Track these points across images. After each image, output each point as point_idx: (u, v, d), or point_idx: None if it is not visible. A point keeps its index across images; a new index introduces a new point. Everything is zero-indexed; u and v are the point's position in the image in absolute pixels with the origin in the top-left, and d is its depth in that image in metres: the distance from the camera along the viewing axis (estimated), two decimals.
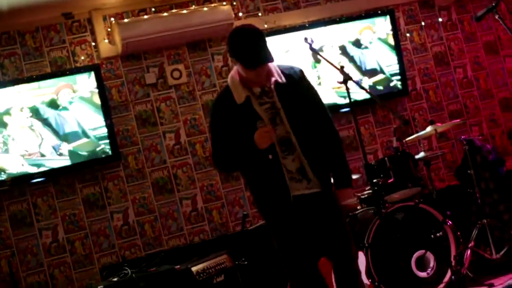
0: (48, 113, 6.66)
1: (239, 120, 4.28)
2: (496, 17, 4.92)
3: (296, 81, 4.36)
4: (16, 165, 6.55)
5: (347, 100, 7.12)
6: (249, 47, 4.15)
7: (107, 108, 6.88)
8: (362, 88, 4.49)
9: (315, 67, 7.34)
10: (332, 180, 4.45)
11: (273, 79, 4.27)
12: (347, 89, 4.45)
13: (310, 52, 4.56)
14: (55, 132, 6.66)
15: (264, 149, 4.21)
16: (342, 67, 4.45)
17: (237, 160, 4.39)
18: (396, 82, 7.64)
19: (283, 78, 4.31)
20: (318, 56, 4.53)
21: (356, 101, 7.23)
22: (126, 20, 6.94)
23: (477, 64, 8.15)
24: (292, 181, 4.32)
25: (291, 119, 4.28)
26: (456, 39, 8.10)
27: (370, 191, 6.24)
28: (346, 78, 4.41)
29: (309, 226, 4.43)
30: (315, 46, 4.62)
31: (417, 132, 7.21)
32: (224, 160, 4.44)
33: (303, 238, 4.42)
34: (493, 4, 4.92)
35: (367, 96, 7.30)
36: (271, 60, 4.22)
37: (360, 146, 4.80)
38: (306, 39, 4.56)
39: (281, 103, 4.28)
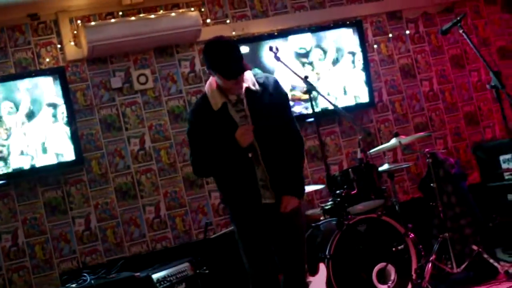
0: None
1: (216, 126, 4.37)
2: (461, 31, 4.94)
3: (268, 90, 4.43)
4: None
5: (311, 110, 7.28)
6: (228, 59, 4.23)
7: (71, 112, 6.80)
8: (325, 98, 4.47)
9: None
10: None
11: (245, 85, 4.34)
12: (311, 99, 4.44)
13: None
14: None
15: (244, 147, 4.30)
16: (306, 77, 4.44)
17: (216, 163, 4.43)
18: (362, 93, 7.66)
19: (257, 86, 4.39)
20: (283, 66, 4.52)
21: (321, 111, 7.25)
22: (93, 23, 6.88)
23: (443, 78, 8.19)
24: (263, 189, 4.44)
25: (255, 128, 4.34)
26: (423, 51, 8.14)
27: (332, 202, 6.24)
28: (310, 88, 4.40)
29: (271, 235, 4.54)
30: (281, 55, 4.61)
31: (382, 143, 7.23)
32: (204, 165, 4.50)
33: (266, 246, 4.54)
34: (458, 18, 4.94)
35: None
36: (248, 68, 4.32)
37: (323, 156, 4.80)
38: (271, 48, 4.57)
39: (250, 111, 4.36)
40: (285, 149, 4.46)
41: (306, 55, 7.49)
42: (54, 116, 6.71)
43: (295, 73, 4.51)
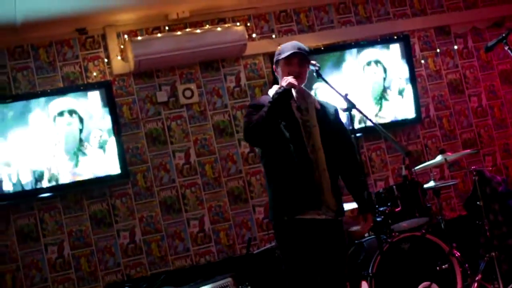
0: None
1: None
2: (506, 48, 4.85)
3: (330, 111, 4.61)
4: (25, 178, 6.57)
5: (357, 126, 7.23)
6: (292, 44, 4.52)
7: (117, 126, 6.87)
8: (366, 117, 4.42)
9: None
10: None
11: (312, 98, 4.54)
12: (351, 116, 4.40)
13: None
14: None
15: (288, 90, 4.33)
16: (346, 95, 4.40)
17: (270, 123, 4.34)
18: (409, 109, 7.58)
19: (318, 105, 4.56)
20: (323, 82, 4.49)
21: (367, 127, 7.18)
22: (139, 38, 6.94)
23: (492, 93, 8.06)
24: (322, 201, 4.40)
25: (323, 138, 4.42)
26: (471, 67, 8.03)
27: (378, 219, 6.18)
28: (350, 106, 4.36)
29: (315, 253, 4.42)
30: (322, 71, 4.60)
31: (429, 160, 7.14)
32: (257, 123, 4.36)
33: (310, 264, 4.40)
34: (503, 35, 4.85)
35: (380, 121, 7.28)
36: (308, 58, 4.49)
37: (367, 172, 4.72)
38: (313, 64, 4.52)
39: (318, 121, 4.45)
40: (349, 167, 4.54)
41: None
42: (101, 129, 6.79)
43: (335, 90, 4.47)
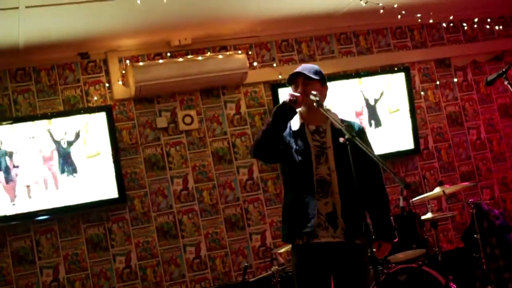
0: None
1: (292, 142, 4.41)
2: (506, 83, 4.85)
3: (353, 131, 4.33)
4: (21, 201, 6.57)
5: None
6: (298, 67, 4.54)
7: (116, 150, 6.88)
8: (365, 149, 4.39)
9: None
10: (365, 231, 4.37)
11: (331, 118, 4.36)
12: (351, 148, 4.39)
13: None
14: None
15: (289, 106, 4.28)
16: (347, 126, 4.40)
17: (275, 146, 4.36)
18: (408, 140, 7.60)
19: (338, 125, 4.37)
20: (324, 113, 4.48)
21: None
22: (141, 64, 6.97)
23: (491, 126, 8.09)
24: (318, 228, 4.33)
25: (337, 160, 4.36)
26: (470, 100, 8.07)
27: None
28: (350, 138, 4.34)
29: (328, 276, 4.40)
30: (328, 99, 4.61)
31: (427, 191, 7.15)
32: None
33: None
34: (503, 70, 4.86)
35: (378, 152, 7.29)
36: (309, 77, 4.44)
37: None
38: (314, 94, 4.51)
39: (333, 143, 4.40)
40: (371, 191, 4.41)
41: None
42: (99, 154, 6.80)
43: (335, 122, 4.47)
